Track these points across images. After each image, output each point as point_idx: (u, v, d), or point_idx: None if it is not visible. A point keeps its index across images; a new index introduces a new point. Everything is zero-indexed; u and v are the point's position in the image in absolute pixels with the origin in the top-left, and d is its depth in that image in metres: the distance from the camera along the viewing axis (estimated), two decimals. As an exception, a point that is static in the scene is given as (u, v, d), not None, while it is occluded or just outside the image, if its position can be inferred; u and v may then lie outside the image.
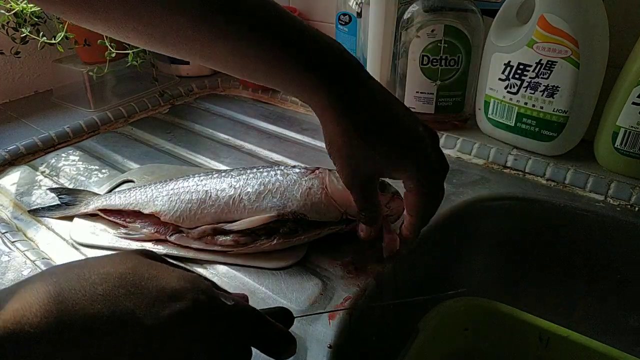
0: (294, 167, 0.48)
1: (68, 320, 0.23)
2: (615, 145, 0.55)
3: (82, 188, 0.56)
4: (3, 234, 0.48)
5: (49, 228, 0.50)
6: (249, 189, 0.45)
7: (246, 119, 0.76)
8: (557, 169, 0.57)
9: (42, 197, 0.55)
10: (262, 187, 0.45)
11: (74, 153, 0.66)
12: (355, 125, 0.36)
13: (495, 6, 0.60)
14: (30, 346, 0.22)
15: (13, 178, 0.60)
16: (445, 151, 0.64)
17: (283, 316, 0.33)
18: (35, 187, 0.57)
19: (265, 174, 0.47)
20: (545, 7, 0.53)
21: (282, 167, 0.48)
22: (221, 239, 0.45)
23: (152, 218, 0.47)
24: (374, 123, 0.36)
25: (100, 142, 0.69)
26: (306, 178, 0.46)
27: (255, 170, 0.48)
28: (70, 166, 0.62)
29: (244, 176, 0.47)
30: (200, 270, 0.45)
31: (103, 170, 0.61)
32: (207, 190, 0.46)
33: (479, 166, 0.62)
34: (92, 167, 0.62)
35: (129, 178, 0.57)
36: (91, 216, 0.50)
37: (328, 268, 0.44)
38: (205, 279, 0.32)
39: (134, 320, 0.24)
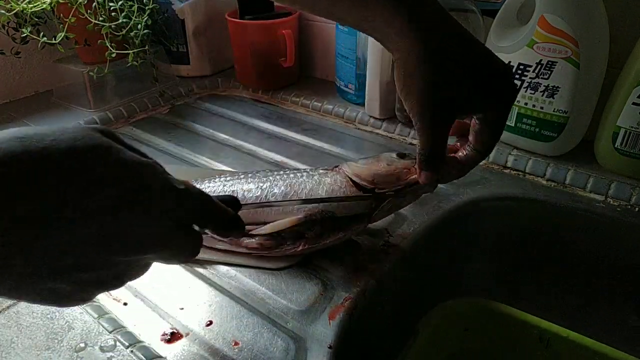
0: (317, 168, 0.48)
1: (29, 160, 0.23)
2: (616, 146, 0.55)
3: None
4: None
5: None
6: (275, 190, 0.45)
7: (246, 119, 0.76)
8: (557, 169, 0.57)
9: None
10: (289, 188, 0.45)
11: (74, 153, 0.66)
12: (436, 49, 0.33)
13: (496, 6, 0.60)
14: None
15: (13, 178, 0.60)
16: (446, 151, 0.65)
17: (230, 204, 0.33)
18: (36, 187, 0.57)
19: (292, 175, 0.47)
20: (545, 8, 0.53)
21: (308, 170, 0.48)
22: (246, 241, 0.44)
23: None
24: (456, 47, 0.34)
25: (100, 142, 0.69)
26: (328, 177, 0.45)
27: (281, 172, 0.48)
28: (70, 166, 0.62)
29: (270, 177, 0.47)
30: (200, 270, 0.45)
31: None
32: (233, 191, 0.46)
33: (479, 166, 0.61)
34: (93, 167, 0.62)
35: None
36: None
37: (328, 268, 0.44)
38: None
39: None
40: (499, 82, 0.35)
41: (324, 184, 0.44)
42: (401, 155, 0.44)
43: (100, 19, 0.71)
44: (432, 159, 0.37)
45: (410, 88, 0.35)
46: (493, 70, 0.35)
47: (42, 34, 0.69)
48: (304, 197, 0.44)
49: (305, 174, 0.46)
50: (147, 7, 0.75)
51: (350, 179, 0.44)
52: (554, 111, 0.57)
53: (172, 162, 0.63)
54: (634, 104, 0.52)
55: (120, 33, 0.72)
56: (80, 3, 0.69)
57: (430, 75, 0.34)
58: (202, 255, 0.45)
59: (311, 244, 0.43)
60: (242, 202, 0.43)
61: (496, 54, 0.58)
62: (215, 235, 0.33)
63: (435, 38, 0.34)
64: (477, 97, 0.35)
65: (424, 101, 0.34)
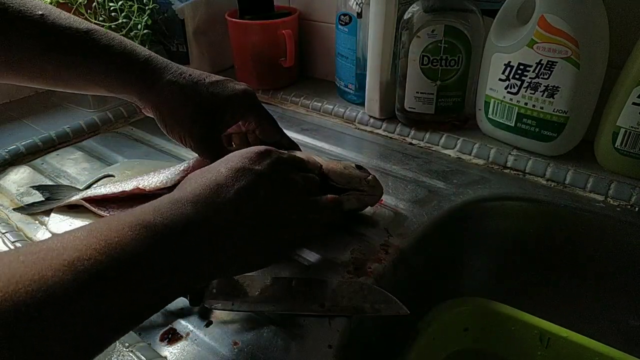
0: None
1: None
2: (616, 146, 0.55)
3: (65, 184, 0.57)
4: (3, 234, 0.48)
5: (48, 228, 0.50)
6: None
7: (246, 119, 0.76)
8: (557, 169, 0.57)
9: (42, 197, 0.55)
10: None
11: (75, 153, 0.66)
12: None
13: (496, 6, 0.60)
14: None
15: (13, 178, 0.60)
16: (446, 151, 0.65)
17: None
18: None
19: None
20: (545, 7, 0.53)
21: None
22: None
23: (135, 200, 0.49)
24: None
25: (100, 142, 0.69)
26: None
27: None
28: (70, 166, 0.62)
29: None
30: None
31: (103, 171, 0.61)
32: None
33: (479, 166, 0.62)
34: (93, 167, 0.62)
35: (110, 173, 0.58)
36: (70, 209, 0.51)
37: (328, 268, 0.44)
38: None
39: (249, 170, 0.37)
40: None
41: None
42: (358, 167, 0.50)
43: (100, 19, 0.71)
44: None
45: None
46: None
47: (42, 34, 0.69)
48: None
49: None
50: (147, 7, 0.75)
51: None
52: (554, 111, 0.57)
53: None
54: (634, 104, 0.52)
55: (120, 33, 0.72)
56: (80, 3, 0.69)
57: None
58: None
59: None
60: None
61: (496, 53, 0.59)
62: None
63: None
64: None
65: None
